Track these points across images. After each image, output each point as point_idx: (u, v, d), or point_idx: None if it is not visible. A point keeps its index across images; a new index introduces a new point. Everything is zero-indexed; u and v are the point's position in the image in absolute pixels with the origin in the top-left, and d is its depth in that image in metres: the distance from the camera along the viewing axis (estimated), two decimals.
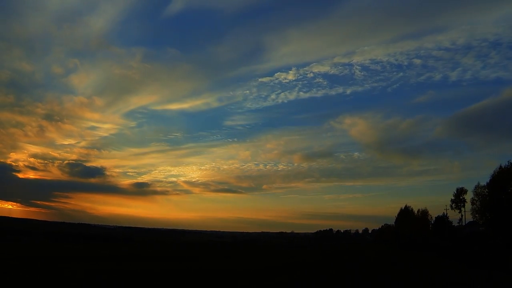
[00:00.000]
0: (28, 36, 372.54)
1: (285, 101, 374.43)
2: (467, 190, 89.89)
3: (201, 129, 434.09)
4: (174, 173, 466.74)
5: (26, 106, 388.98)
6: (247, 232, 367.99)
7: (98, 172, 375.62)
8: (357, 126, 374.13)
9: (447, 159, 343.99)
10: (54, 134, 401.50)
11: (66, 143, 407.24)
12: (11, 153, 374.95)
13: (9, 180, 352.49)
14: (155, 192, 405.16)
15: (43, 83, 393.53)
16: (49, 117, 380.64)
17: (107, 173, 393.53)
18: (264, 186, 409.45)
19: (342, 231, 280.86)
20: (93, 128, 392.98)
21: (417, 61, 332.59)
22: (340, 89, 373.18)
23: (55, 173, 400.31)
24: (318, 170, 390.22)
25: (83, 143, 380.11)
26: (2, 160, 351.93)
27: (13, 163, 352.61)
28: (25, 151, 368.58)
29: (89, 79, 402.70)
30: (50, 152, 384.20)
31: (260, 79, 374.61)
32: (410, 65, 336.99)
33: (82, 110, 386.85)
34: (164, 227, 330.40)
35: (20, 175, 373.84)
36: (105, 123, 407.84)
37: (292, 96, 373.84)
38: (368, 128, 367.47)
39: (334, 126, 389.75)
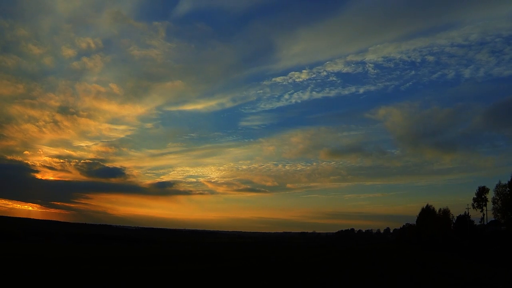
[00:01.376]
0: (33, 11, 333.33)
1: (299, 100, 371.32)
2: (488, 189, 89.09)
3: (217, 129, 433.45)
4: (193, 174, 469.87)
5: (37, 97, 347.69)
6: (269, 232, 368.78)
7: (118, 172, 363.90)
8: (391, 117, 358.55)
9: (482, 154, 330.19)
10: (71, 130, 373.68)
11: (83, 142, 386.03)
12: (25, 151, 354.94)
13: (28, 181, 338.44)
14: (176, 192, 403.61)
15: (53, 68, 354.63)
16: (63, 110, 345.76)
17: (127, 172, 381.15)
18: (288, 185, 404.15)
19: (363, 230, 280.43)
20: (111, 123, 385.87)
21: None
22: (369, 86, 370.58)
23: (74, 173, 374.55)
24: (344, 167, 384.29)
25: (100, 144, 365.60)
26: (18, 159, 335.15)
27: (29, 163, 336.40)
28: (40, 150, 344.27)
29: (105, 62, 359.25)
30: (67, 151, 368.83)
31: (273, 79, 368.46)
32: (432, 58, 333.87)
33: (99, 101, 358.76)
34: (185, 228, 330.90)
35: (38, 176, 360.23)
36: (122, 124, 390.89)
37: (305, 95, 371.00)
38: (403, 119, 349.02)
39: (367, 119, 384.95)
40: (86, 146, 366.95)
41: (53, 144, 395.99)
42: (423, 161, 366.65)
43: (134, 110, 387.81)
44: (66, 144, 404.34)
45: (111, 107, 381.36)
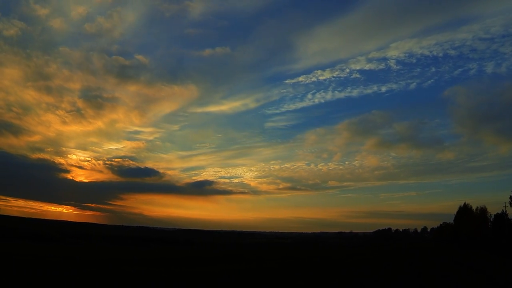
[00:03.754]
0: None
1: (322, 100, 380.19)
2: None
3: (243, 130, 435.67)
4: (225, 174, 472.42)
5: (52, 77, 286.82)
6: (306, 233, 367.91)
7: (152, 172, 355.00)
8: (454, 98, 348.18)
9: None
10: (97, 120, 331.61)
11: (112, 136, 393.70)
12: (49, 148, 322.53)
13: (59, 182, 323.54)
14: (214, 192, 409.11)
15: (63, 35, 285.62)
16: (85, 94, 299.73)
17: (162, 171, 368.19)
18: (330, 183, 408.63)
19: (400, 230, 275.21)
20: (141, 109, 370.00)
21: None
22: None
23: (106, 173, 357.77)
24: (390, 162, 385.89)
25: (130, 141, 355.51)
26: (44, 157, 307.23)
27: (56, 161, 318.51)
28: (64, 148, 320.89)
29: (126, 23, 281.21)
30: (96, 148, 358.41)
31: (296, 78, 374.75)
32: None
33: (125, 79, 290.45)
34: (223, 229, 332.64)
35: (69, 176, 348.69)
36: (148, 127, 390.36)
37: (328, 95, 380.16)
38: (467, 99, 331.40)
39: (423, 103, 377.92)
40: (115, 142, 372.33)
41: (79, 139, 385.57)
42: (480, 151, 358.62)
43: (170, 91, 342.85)
44: (94, 139, 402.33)
45: (140, 89, 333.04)
